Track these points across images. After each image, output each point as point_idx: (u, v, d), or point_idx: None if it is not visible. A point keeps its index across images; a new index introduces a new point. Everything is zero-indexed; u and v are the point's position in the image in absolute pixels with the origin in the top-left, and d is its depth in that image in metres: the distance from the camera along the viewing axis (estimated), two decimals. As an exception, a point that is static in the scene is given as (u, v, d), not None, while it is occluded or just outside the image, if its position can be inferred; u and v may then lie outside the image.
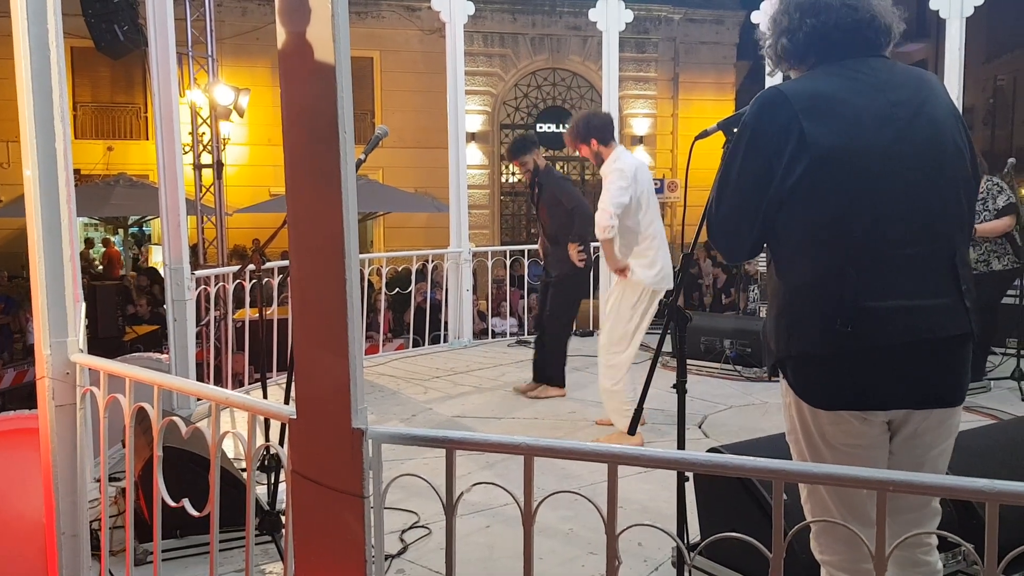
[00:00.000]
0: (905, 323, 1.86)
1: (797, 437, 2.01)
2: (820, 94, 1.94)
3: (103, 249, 18.05)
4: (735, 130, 2.05)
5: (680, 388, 2.54)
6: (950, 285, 1.91)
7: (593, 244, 5.64)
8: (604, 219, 4.67)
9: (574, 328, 6.55)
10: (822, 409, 1.93)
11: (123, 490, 3.60)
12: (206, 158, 12.25)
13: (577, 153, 5.13)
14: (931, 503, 2.03)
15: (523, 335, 8.57)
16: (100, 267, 17.33)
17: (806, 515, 2.03)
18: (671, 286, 4.76)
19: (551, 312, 5.91)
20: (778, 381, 2.05)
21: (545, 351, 5.92)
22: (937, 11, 7.16)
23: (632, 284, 4.75)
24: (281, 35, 1.74)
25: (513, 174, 19.79)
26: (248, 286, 6.01)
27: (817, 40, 2.03)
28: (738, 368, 6.35)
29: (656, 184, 6.01)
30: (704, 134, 2.41)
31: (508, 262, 8.50)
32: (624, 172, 4.72)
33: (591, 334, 7.91)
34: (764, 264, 8.38)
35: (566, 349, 5.94)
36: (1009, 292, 5.95)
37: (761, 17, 6.82)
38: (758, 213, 1.97)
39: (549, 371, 5.89)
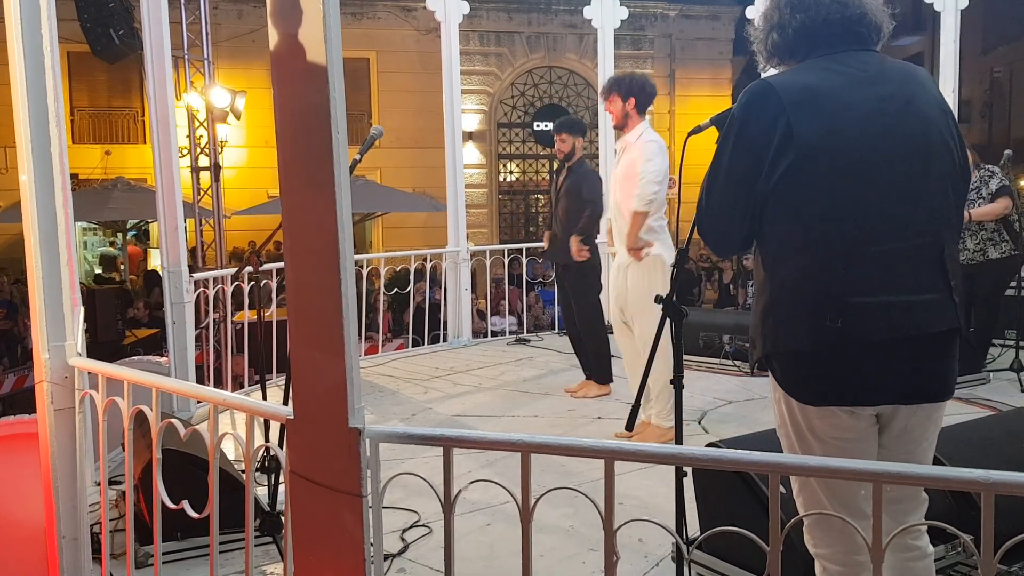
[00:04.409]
0: (892, 319, 1.86)
1: (787, 431, 2.02)
2: (809, 87, 1.94)
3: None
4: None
5: (677, 383, 2.53)
6: (938, 280, 1.91)
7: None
8: (649, 189, 4.47)
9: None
10: (810, 405, 1.93)
11: (123, 493, 3.61)
12: (204, 161, 12.26)
13: (607, 105, 4.84)
14: (919, 492, 2.05)
15: (522, 333, 8.58)
16: (122, 266, 17.42)
17: (798, 509, 2.03)
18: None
19: (577, 305, 5.65)
20: (764, 376, 2.06)
21: (586, 348, 5.72)
22: (931, 4, 7.16)
23: (650, 263, 4.56)
24: (273, 37, 1.74)
25: (511, 172, 19.78)
26: (247, 288, 6.01)
27: (806, 35, 2.03)
28: (737, 363, 6.34)
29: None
30: (697, 130, 2.41)
31: (507, 261, 8.51)
32: (662, 147, 4.60)
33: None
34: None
35: (607, 341, 5.58)
36: (1011, 284, 5.93)
37: (755, 13, 6.81)
38: (747, 206, 1.97)
39: (594, 368, 5.67)
